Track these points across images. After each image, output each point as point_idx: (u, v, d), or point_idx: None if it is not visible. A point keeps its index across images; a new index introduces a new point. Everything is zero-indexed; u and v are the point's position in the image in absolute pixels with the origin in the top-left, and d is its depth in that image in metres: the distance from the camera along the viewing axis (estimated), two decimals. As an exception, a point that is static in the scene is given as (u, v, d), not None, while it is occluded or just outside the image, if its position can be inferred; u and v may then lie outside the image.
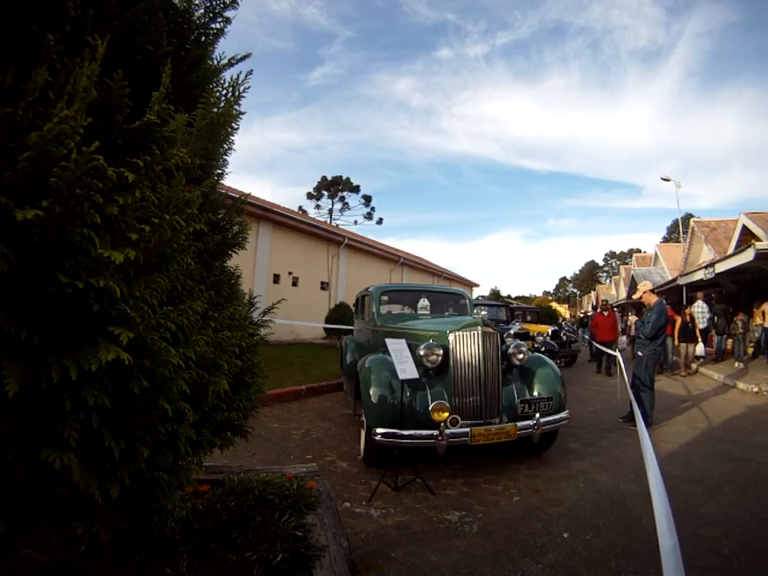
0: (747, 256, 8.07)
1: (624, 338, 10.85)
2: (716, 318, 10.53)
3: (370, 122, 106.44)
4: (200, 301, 1.12)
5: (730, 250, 11.68)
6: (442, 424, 2.98)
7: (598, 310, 10.59)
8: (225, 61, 1.49)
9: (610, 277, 56.46)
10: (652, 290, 5.17)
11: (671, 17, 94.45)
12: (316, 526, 1.64)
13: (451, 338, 3.38)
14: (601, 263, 75.76)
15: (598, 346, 9.22)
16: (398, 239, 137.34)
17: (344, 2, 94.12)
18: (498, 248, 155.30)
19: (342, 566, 1.50)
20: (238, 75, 1.37)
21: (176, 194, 0.97)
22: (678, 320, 9.46)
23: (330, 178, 41.83)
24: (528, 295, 79.83)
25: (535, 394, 3.51)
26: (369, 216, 40.87)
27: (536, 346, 8.22)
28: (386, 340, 3.32)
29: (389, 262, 19.08)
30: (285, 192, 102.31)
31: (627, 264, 35.42)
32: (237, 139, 1.47)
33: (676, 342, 9.49)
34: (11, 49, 0.89)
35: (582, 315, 22.38)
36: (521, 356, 3.67)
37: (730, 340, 10.27)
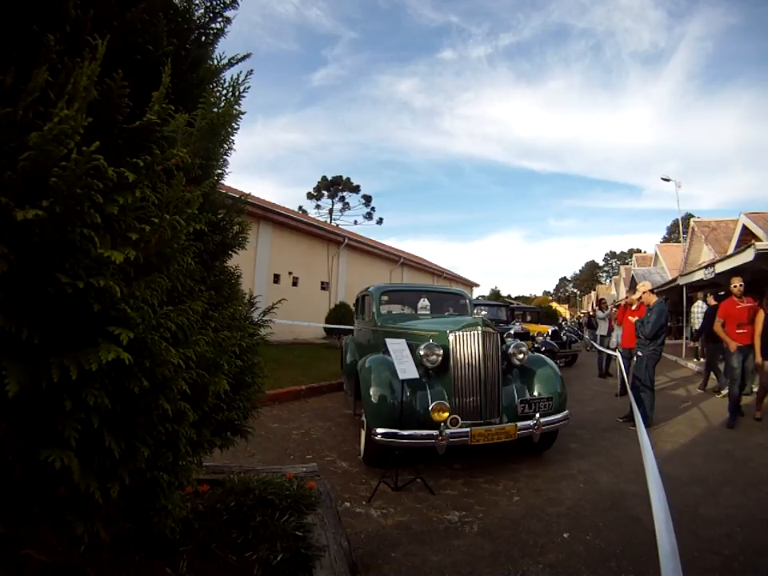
0: (747, 256, 8.05)
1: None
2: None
3: (373, 123, 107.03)
4: (200, 301, 1.12)
5: (730, 250, 11.67)
6: (442, 424, 2.98)
7: (623, 303, 6.73)
8: (225, 61, 1.48)
9: (610, 277, 56.55)
10: (652, 290, 5.18)
11: (673, 20, 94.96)
12: (316, 526, 1.64)
13: (451, 337, 3.38)
14: (601, 263, 76.10)
15: (601, 348, 8.31)
16: (398, 239, 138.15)
17: (348, 4, 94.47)
18: (498, 248, 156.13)
19: (342, 566, 1.49)
20: (238, 75, 1.37)
21: (176, 194, 0.96)
22: (761, 316, 5.03)
23: (330, 178, 41.83)
24: (528, 295, 79.89)
25: (535, 393, 3.50)
26: (369, 216, 40.88)
27: (536, 346, 8.23)
28: (386, 340, 3.32)
29: (389, 261, 19.06)
30: (286, 192, 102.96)
31: (627, 264, 35.44)
32: (239, 139, 1.47)
33: (758, 357, 4.95)
34: (11, 49, 0.89)
35: (583, 314, 21.73)
36: (521, 356, 3.67)
37: None
